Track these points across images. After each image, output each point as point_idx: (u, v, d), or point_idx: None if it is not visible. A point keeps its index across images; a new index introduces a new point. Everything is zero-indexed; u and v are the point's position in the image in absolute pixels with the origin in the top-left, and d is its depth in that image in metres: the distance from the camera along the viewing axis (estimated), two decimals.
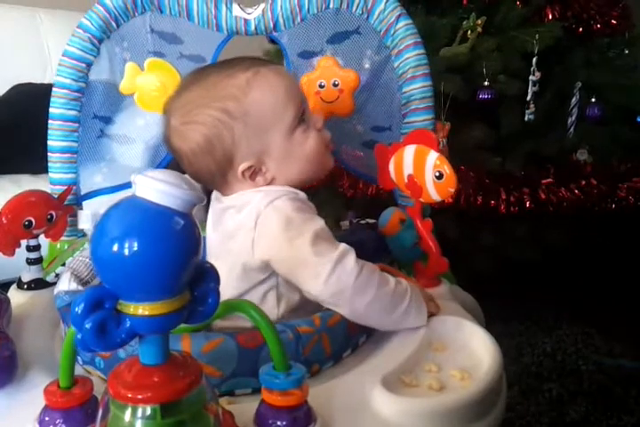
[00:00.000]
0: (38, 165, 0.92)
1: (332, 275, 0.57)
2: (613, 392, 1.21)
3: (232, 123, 0.64)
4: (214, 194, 0.72)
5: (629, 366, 1.30)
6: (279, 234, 0.60)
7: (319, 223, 0.62)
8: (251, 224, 0.62)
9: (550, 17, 1.53)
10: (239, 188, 0.68)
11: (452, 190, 0.68)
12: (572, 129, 1.53)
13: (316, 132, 0.69)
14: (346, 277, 0.58)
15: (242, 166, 0.66)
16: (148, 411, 0.35)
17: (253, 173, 0.67)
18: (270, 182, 0.68)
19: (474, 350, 0.58)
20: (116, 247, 0.33)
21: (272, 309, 0.64)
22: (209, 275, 0.37)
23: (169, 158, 0.94)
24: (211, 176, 0.67)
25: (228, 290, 0.64)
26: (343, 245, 0.60)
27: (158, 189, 0.33)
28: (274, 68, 0.68)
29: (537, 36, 1.43)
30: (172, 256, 0.34)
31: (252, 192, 0.66)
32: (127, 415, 0.36)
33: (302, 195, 0.65)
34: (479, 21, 1.43)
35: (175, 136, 0.68)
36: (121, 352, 0.53)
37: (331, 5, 0.85)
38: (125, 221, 0.34)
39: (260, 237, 0.61)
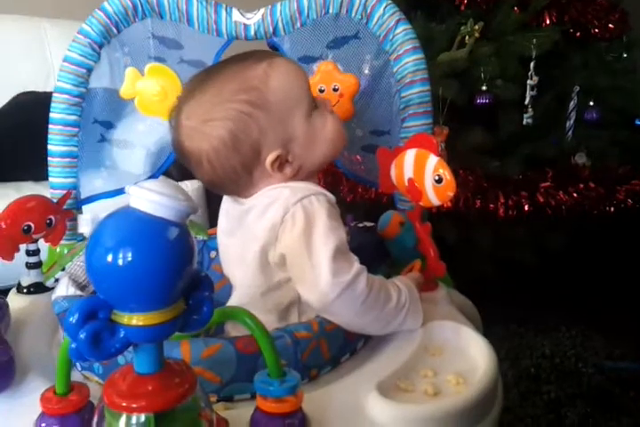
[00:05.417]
0: (40, 171, 0.92)
1: (339, 297, 0.57)
2: (612, 394, 1.21)
3: (257, 113, 0.63)
4: (229, 199, 0.71)
5: (628, 368, 1.30)
6: (302, 235, 0.59)
7: (342, 235, 0.61)
8: (277, 220, 0.61)
9: (548, 22, 1.53)
10: (265, 184, 0.66)
11: (451, 195, 0.68)
12: (570, 132, 1.53)
13: (330, 113, 0.70)
14: (353, 300, 0.57)
15: (270, 157, 0.64)
16: (142, 419, 0.36)
17: (281, 164, 0.66)
18: (298, 172, 0.67)
19: (470, 355, 0.59)
20: (110, 258, 0.33)
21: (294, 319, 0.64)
22: (204, 283, 0.37)
23: (169, 163, 0.94)
24: (235, 176, 0.65)
25: (248, 290, 0.65)
26: (357, 267, 0.59)
27: (152, 199, 0.33)
28: (282, 57, 0.71)
29: (534, 40, 1.43)
30: (166, 267, 0.34)
31: (279, 188, 0.65)
32: (121, 424, 0.36)
33: (331, 197, 0.64)
34: (477, 27, 1.44)
35: (192, 137, 0.65)
36: (120, 358, 0.53)
37: (330, 10, 0.85)
38: (119, 232, 0.34)
39: (283, 232, 0.61)
